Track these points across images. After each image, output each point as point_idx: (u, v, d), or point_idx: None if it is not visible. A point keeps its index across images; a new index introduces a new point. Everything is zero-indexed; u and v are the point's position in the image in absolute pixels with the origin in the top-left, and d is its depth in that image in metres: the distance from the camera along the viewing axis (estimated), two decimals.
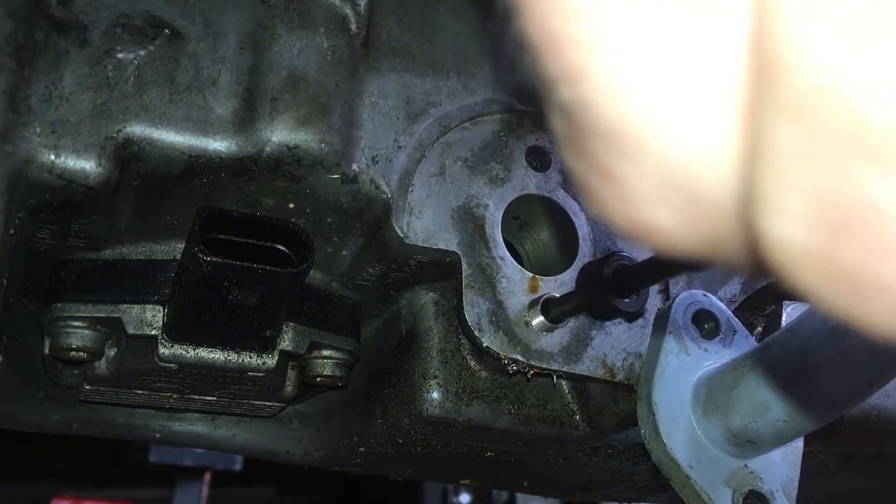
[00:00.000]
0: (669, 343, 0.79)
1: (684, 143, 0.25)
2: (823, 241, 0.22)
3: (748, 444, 0.76)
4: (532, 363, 0.81)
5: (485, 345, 0.80)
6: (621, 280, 0.75)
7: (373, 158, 0.77)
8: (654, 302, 0.86)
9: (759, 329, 0.94)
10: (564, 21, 0.25)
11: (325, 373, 0.85)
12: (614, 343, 0.84)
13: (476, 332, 0.79)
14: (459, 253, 0.80)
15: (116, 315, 0.76)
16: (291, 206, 0.76)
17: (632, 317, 0.85)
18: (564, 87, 0.26)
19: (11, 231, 0.68)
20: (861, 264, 0.22)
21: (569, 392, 0.89)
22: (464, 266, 0.80)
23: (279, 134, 0.70)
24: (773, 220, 0.23)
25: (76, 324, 0.76)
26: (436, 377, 0.84)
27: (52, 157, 0.65)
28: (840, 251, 0.22)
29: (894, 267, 0.21)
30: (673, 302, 0.82)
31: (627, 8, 0.24)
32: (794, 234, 0.23)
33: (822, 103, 0.21)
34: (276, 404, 0.91)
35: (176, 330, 0.76)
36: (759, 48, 0.23)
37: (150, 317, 0.76)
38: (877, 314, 0.22)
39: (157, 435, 0.99)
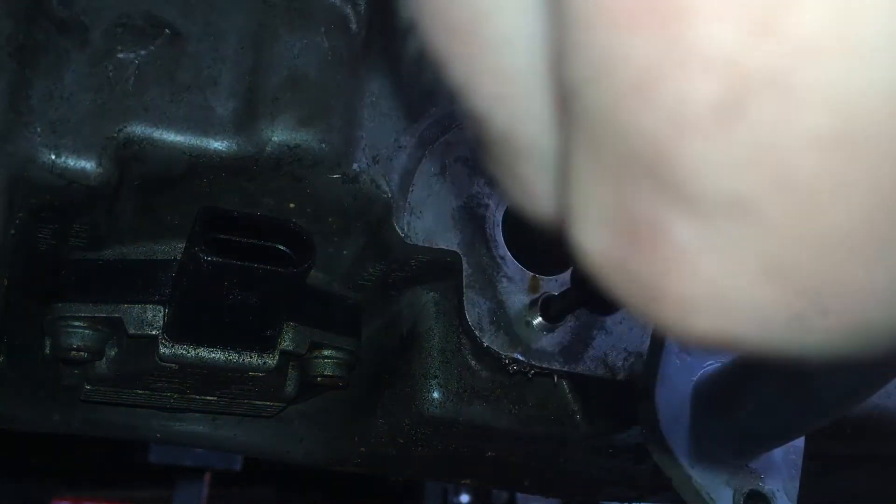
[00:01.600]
0: (671, 342, 0.79)
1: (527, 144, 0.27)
2: (620, 252, 0.25)
3: (749, 443, 0.76)
4: (533, 363, 0.81)
5: (485, 344, 0.80)
6: None
7: (373, 158, 0.77)
8: None
9: None
10: (446, 39, 0.27)
11: (325, 373, 0.85)
12: (615, 342, 0.84)
13: (477, 332, 0.79)
14: (460, 252, 0.80)
15: (117, 315, 0.76)
16: (292, 205, 0.76)
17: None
18: (462, 100, 0.28)
19: (12, 231, 0.68)
20: (650, 276, 0.25)
21: (569, 392, 0.89)
22: (464, 266, 0.80)
23: (280, 134, 0.70)
24: (580, 228, 0.26)
25: (77, 324, 0.76)
26: (436, 377, 0.84)
27: (53, 156, 0.65)
28: (634, 263, 0.25)
29: (676, 281, 0.24)
30: None
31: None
32: (596, 243, 0.26)
33: (620, 135, 0.22)
34: (276, 404, 0.91)
35: (177, 330, 0.76)
36: (559, 70, 0.24)
37: (150, 317, 0.76)
38: (667, 317, 0.26)
39: (158, 435, 0.99)
